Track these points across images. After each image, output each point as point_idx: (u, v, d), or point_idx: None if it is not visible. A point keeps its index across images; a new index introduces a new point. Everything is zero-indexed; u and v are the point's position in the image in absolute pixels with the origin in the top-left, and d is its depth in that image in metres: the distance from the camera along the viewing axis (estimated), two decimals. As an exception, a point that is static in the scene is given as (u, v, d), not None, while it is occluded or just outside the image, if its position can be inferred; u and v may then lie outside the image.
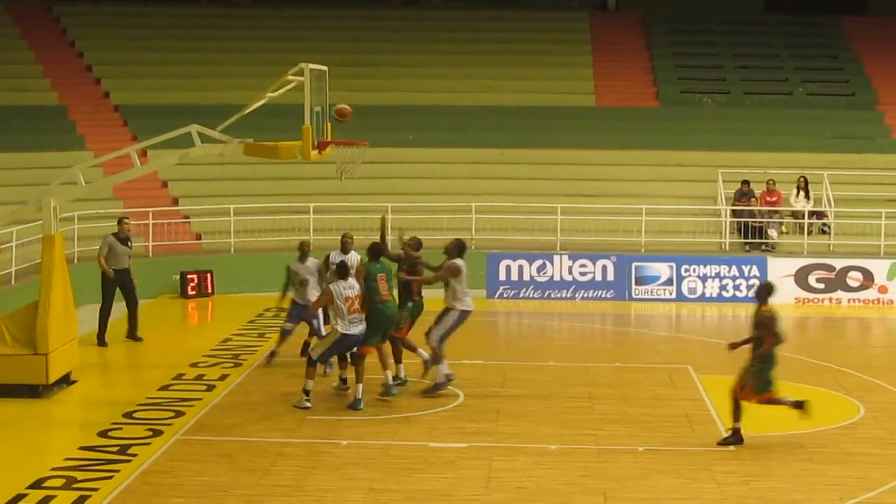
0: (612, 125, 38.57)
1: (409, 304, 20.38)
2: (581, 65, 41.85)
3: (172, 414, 18.49)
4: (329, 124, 20.49)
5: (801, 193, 34.57)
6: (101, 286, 24.82)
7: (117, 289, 24.82)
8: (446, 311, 20.14)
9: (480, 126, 38.08)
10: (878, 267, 31.49)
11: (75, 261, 28.59)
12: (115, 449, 16.51)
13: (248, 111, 20.41)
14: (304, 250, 22.43)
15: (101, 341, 24.42)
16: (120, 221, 25.46)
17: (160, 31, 42.49)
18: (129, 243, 25.19)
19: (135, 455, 16.18)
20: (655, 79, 41.43)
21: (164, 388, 20.43)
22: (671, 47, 43.03)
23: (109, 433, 17.33)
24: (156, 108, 36.85)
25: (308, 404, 18.81)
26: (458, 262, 20.20)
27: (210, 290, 30.80)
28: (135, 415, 18.48)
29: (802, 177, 34.77)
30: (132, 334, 24.97)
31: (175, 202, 34.14)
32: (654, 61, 42.31)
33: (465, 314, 20.14)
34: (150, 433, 17.31)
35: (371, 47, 41.96)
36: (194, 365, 22.31)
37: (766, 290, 17.76)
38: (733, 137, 37.81)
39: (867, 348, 27.19)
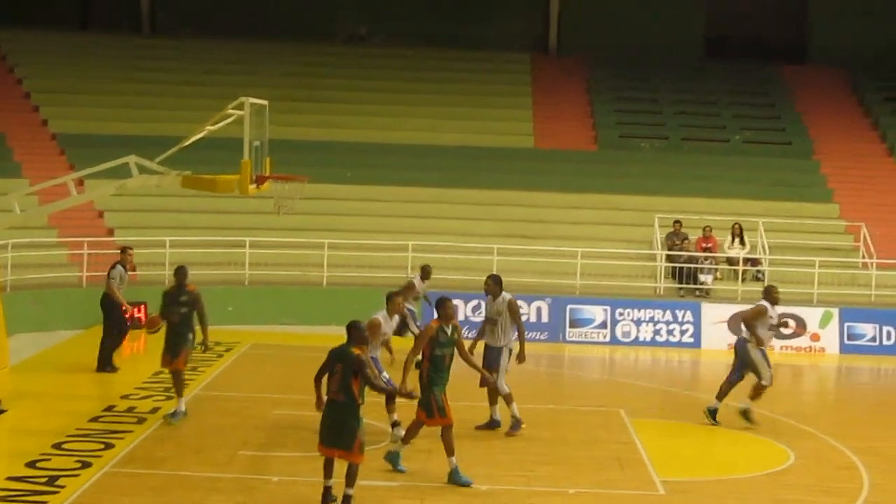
0: (550, 167, 38.73)
1: None
2: (521, 106, 42.05)
3: (102, 446, 18.30)
4: (268, 159, 20.46)
5: (737, 240, 34.84)
6: (107, 315, 25.01)
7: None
8: (498, 350, 20.21)
9: (419, 165, 38.12)
10: (811, 315, 31.75)
11: (8, 289, 28.32)
12: (44, 480, 16.31)
13: (187, 143, 20.38)
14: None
15: (111, 366, 24.63)
16: (124, 251, 25.64)
17: (100, 60, 42.38)
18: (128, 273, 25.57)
19: (63, 486, 15.99)
20: (595, 122, 41.69)
21: (95, 419, 20.22)
22: (611, 91, 43.32)
23: (38, 464, 17.11)
24: (94, 137, 36.67)
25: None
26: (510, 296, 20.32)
27: (144, 322, 30.61)
28: (64, 446, 18.27)
29: (738, 223, 35.05)
30: (110, 364, 24.95)
31: (111, 232, 33.94)
32: (593, 105, 42.60)
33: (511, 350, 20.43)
34: (80, 465, 17.11)
35: (313, 83, 42.01)
36: (126, 397, 22.10)
37: None
38: (670, 183, 38.05)
39: (798, 395, 27.34)
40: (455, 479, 16.71)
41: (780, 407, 23.38)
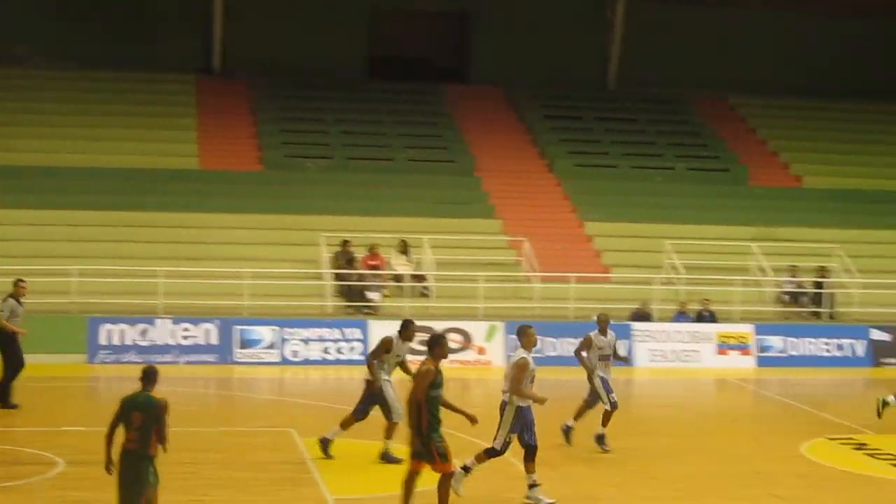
0: (216, 188, 38.48)
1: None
2: (186, 127, 41.62)
3: None
4: None
5: (403, 257, 35.32)
6: (3, 350, 24.24)
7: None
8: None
9: (83, 188, 37.23)
10: (477, 329, 32.45)
11: None
12: None
13: None
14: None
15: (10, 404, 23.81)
16: (17, 283, 24.78)
17: None
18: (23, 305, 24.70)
19: None
20: (260, 143, 41.61)
21: None
22: (276, 112, 43.30)
23: None
24: None
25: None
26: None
27: None
28: None
29: (404, 240, 35.54)
30: (6, 401, 24.06)
31: None
32: (258, 125, 42.50)
33: None
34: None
35: (-32, 105, 40.63)
36: None
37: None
38: (336, 202, 38.25)
39: (466, 408, 27.76)
40: None
41: (451, 420, 23.73)
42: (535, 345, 18.14)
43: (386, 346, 20.27)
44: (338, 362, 31.60)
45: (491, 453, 17.80)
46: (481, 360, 32.20)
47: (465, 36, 48.57)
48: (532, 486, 17.77)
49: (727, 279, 36.61)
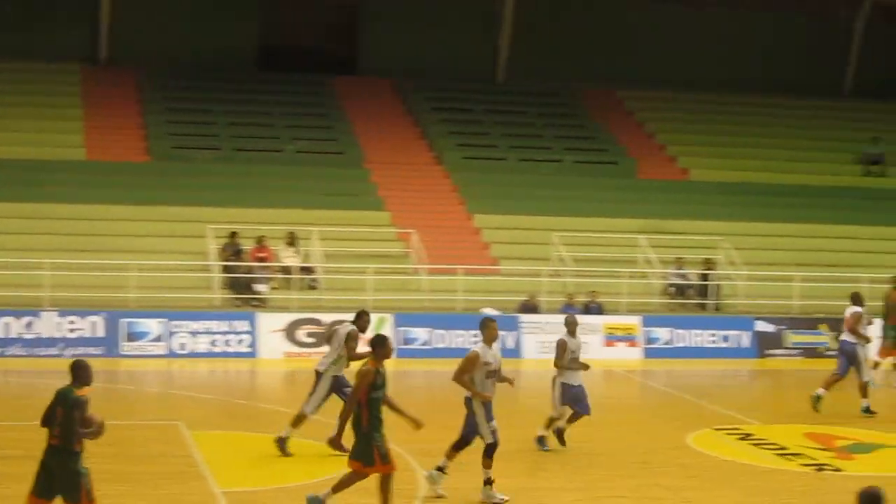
0: (102, 179, 38.05)
1: None
2: (72, 118, 41.09)
3: None
4: None
5: (291, 249, 35.21)
6: None
7: None
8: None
9: (-37, 179, 36.66)
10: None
11: None
12: None
13: None
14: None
15: None
16: None
17: None
18: None
19: None
20: (147, 133, 41.21)
21: None
22: (163, 102, 42.91)
23: None
24: None
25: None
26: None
27: None
28: None
29: (292, 233, 35.42)
30: None
31: None
32: (146, 116, 42.08)
33: None
34: None
35: None
36: None
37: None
38: (224, 193, 38.03)
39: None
40: None
41: (333, 412, 23.71)
42: (495, 339, 17.76)
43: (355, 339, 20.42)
44: (225, 355, 31.43)
45: (489, 451, 17.67)
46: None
47: (355, 27, 48.44)
48: (487, 482, 17.78)
49: (614, 271, 36.96)
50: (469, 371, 17.52)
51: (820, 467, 20.63)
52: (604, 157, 44.69)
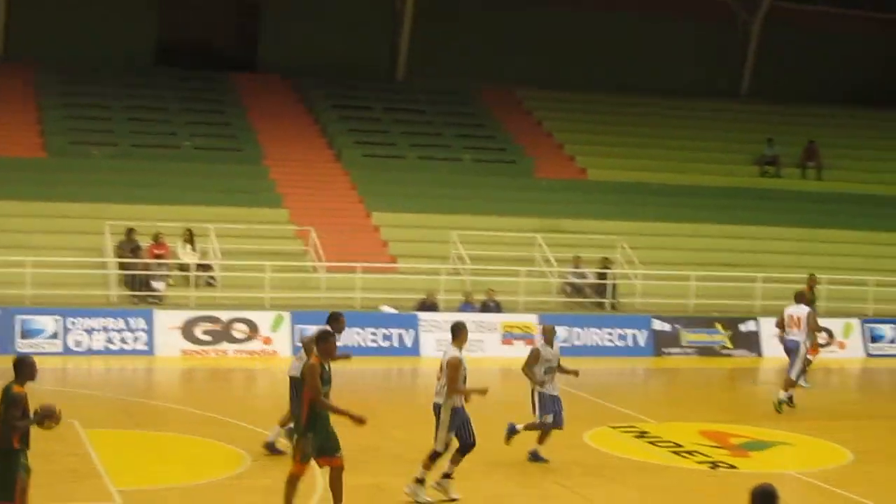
0: (-2, 175, 37.59)
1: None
2: (-35, 113, 40.57)
3: None
4: None
5: (188, 246, 34.98)
6: None
7: None
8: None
9: None
10: (263, 319, 32.33)
11: None
12: None
13: None
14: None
15: None
16: None
17: None
18: None
19: None
20: (43, 129, 40.74)
21: None
22: (60, 97, 42.45)
23: None
24: None
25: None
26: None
27: None
28: None
29: (189, 229, 35.19)
30: None
31: None
32: (42, 111, 41.60)
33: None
34: None
35: None
36: None
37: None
38: (121, 190, 37.66)
39: (252, 399, 27.76)
40: None
41: (235, 411, 23.66)
42: (465, 342, 17.66)
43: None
44: (122, 352, 31.15)
45: (434, 457, 17.54)
46: (267, 350, 32.07)
47: (255, 24, 48.27)
48: (446, 475, 17.74)
49: (512, 269, 37.13)
50: (458, 378, 17.33)
51: (714, 465, 20.87)
52: (502, 155, 44.87)
